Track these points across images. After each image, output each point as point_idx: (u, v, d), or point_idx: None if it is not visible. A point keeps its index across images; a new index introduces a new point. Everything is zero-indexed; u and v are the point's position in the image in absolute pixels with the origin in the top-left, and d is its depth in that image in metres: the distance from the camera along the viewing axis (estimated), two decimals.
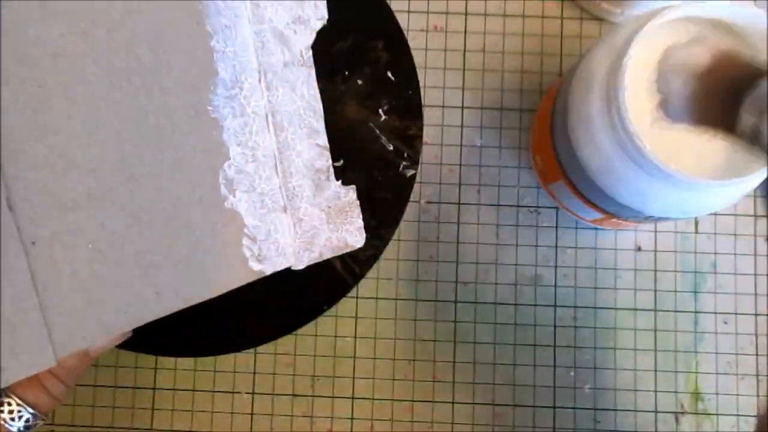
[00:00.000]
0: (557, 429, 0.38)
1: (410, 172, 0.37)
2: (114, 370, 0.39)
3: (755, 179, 0.27)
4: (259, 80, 0.32)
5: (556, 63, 0.40)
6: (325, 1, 0.35)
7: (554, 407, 0.39)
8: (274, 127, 0.33)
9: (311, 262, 0.33)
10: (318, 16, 0.34)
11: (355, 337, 0.39)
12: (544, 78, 0.40)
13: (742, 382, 0.39)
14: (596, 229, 0.40)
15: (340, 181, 0.35)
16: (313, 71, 0.34)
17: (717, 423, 0.38)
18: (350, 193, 0.35)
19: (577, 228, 0.40)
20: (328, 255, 0.34)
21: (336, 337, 0.39)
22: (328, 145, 0.34)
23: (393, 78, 0.38)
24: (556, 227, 0.40)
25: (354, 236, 0.35)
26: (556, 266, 0.39)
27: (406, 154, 0.37)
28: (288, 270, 0.34)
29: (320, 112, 0.34)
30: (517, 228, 0.40)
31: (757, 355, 0.39)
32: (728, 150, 0.28)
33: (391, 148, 0.37)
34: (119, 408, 0.39)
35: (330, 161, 0.34)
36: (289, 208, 0.33)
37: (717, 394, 0.39)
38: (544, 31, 0.41)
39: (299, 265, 0.33)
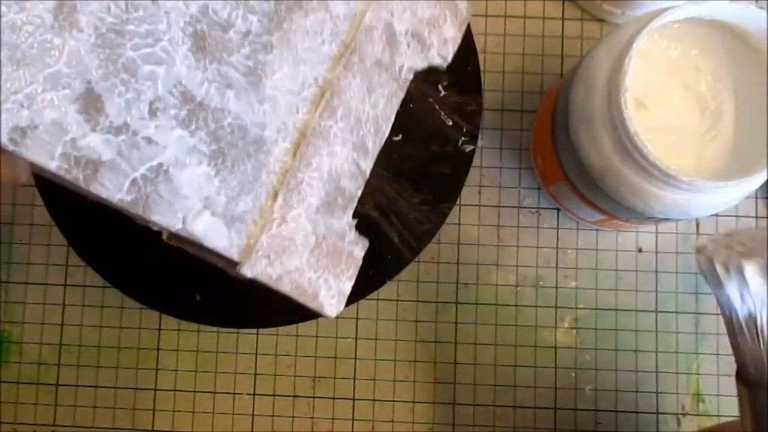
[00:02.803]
0: (558, 430, 0.38)
1: (469, 148, 0.38)
2: (115, 371, 0.39)
3: (756, 181, 0.27)
4: (341, 53, 0.27)
5: (557, 64, 0.40)
6: (454, 46, 0.30)
7: (555, 408, 0.39)
8: (324, 107, 0.26)
9: (261, 279, 0.25)
10: (441, 52, 0.30)
11: (356, 338, 0.39)
12: (544, 79, 0.40)
13: None
14: (597, 230, 0.39)
15: (355, 222, 0.29)
16: (400, 95, 0.30)
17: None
18: (357, 247, 0.29)
19: (578, 229, 0.40)
20: (286, 289, 0.26)
21: (337, 338, 0.39)
22: (367, 177, 0.29)
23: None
24: (557, 228, 0.40)
25: (329, 296, 0.27)
26: (557, 267, 0.39)
27: (465, 129, 0.38)
28: None
29: (383, 138, 0.29)
30: (518, 229, 0.40)
31: None
32: (730, 151, 0.28)
33: (450, 123, 0.37)
34: (120, 409, 0.39)
35: (359, 193, 0.29)
36: (280, 199, 0.25)
37: (718, 395, 0.38)
38: (545, 32, 0.41)
39: (246, 270, 0.25)
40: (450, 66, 0.39)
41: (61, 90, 0.21)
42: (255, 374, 0.39)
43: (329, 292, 0.27)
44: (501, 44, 0.41)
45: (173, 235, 0.26)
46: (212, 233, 0.24)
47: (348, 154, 0.28)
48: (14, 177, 0.22)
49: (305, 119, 0.26)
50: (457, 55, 0.39)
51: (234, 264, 0.25)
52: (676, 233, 0.39)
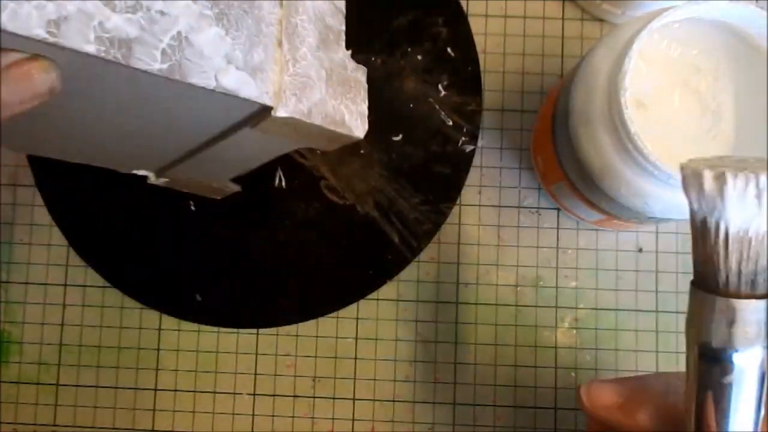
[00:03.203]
0: (558, 430, 0.38)
1: (469, 148, 0.38)
2: (115, 371, 0.39)
3: None
4: None
5: (557, 64, 0.40)
6: None
7: (555, 408, 0.39)
8: None
9: (296, 116, 0.26)
10: None
11: (356, 338, 0.39)
12: (545, 79, 0.40)
13: None
14: (597, 230, 0.39)
15: (349, 53, 0.29)
16: None
17: None
18: (359, 72, 0.30)
19: (578, 229, 0.40)
20: (318, 121, 0.27)
21: (337, 338, 0.39)
22: (344, 11, 0.30)
23: (452, 54, 0.38)
24: (558, 228, 0.40)
25: (354, 119, 0.29)
26: (557, 267, 0.39)
27: (465, 129, 0.38)
28: (348, 244, 0.33)
29: None
30: (518, 229, 0.40)
31: None
32: (730, 151, 0.28)
33: (451, 123, 0.37)
34: (120, 409, 0.39)
35: (343, 27, 0.30)
36: (286, 44, 0.27)
37: None
38: (545, 32, 0.41)
39: (281, 111, 0.26)
40: (450, 66, 0.39)
41: None
42: (255, 374, 0.39)
43: (352, 116, 0.29)
44: (501, 44, 0.41)
45: (163, 171, 0.28)
46: (242, 86, 0.25)
47: None
48: (50, 85, 0.21)
49: None
50: (457, 55, 0.39)
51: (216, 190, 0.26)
52: (676, 233, 0.39)
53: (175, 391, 0.39)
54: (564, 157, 0.32)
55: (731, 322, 0.20)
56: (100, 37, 0.21)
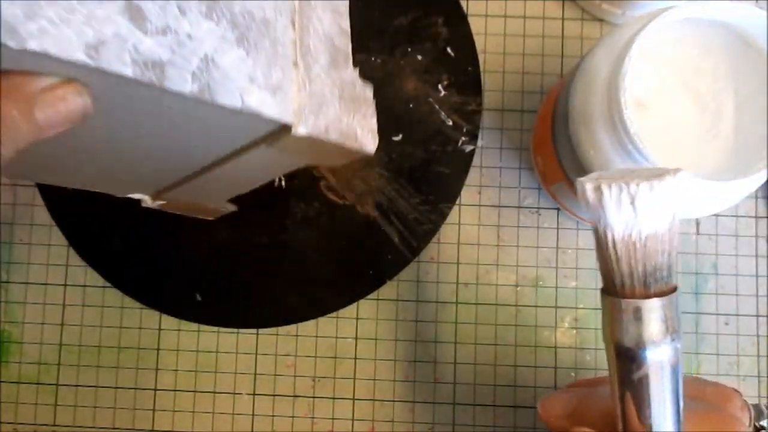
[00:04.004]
0: None
1: (469, 148, 0.38)
2: (115, 371, 0.39)
3: (756, 180, 0.27)
4: None
5: (557, 64, 0.40)
6: None
7: None
8: None
9: (315, 133, 0.27)
10: None
11: (356, 338, 0.39)
12: (545, 79, 0.40)
13: (744, 383, 0.39)
14: None
15: (357, 71, 0.30)
16: None
17: None
18: (367, 90, 0.31)
19: (578, 229, 0.40)
20: (334, 137, 0.28)
21: (337, 338, 0.39)
22: (350, 35, 0.31)
23: (452, 54, 0.38)
24: (557, 228, 0.40)
25: (366, 134, 0.30)
26: (557, 267, 0.39)
27: (465, 129, 0.38)
28: (348, 244, 0.33)
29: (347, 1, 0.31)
30: (518, 229, 0.40)
31: (758, 356, 0.39)
32: (730, 150, 0.28)
33: (451, 123, 0.37)
34: (120, 409, 0.39)
35: (350, 49, 0.31)
36: (301, 64, 0.28)
37: None
38: (545, 32, 0.41)
39: (301, 129, 0.27)
40: (450, 66, 0.39)
41: (107, 5, 0.21)
42: (255, 374, 0.39)
43: (363, 131, 0.30)
44: (501, 44, 0.41)
45: (159, 194, 0.29)
46: (264, 105, 0.26)
47: (330, 18, 0.30)
48: (84, 109, 0.21)
49: None
50: (457, 55, 0.39)
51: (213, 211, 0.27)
52: None
53: (175, 391, 0.39)
54: (564, 157, 0.32)
55: (637, 321, 0.22)
56: (136, 60, 0.22)
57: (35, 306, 0.40)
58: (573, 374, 0.39)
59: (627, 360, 0.22)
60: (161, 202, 0.36)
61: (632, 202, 0.21)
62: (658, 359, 0.22)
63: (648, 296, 0.22)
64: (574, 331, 0.39)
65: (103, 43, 0.21)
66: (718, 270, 0.39)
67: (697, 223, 0.40)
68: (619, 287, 0.22)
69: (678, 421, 0.22)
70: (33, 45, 0.19)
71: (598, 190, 0.22)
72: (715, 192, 0.28)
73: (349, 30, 0.31)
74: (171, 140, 0.28)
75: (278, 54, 0.27)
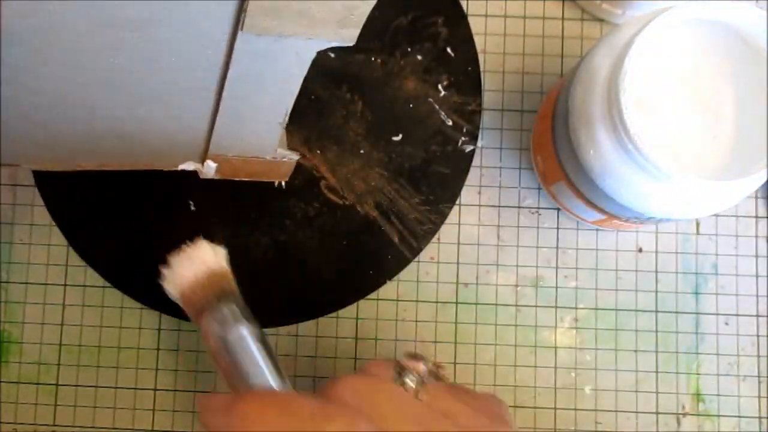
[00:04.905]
0: (558, 430, 0.38)
1: (469, 148, 0.38)
2: (115, 371, 0.39)
3: (757, 180, 0.27)
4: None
5: (557, 64, 0.40)
6: None
7: (555, 408, 0.39)
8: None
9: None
10: None
11: (356, 338, 0.39)
12: (545, 79, 0.40)
13: (744, 384, 0.39)
14: (597, 230, 0.39)
15: None
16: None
17: (718, 424, 0.38)
18: None
19: (578, 229, 0.40)
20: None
21: (337, 338, 0.39)
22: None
23: (452, 54, 0.38)
24: (557, 228, 0.40)
25: None
26: (557, 267, 0.39)
27: (464, 129, 0.38)
28: (348, 244, 0.34)
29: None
30: (518, 229, 0.40)
31: (758, 356, 0.39)
32: (730, 151, 0.28)
33: (450, 123, 0.37)
34: (120, 409, 0.39)
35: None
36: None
37: (718, 395, 0.38)
38: (545, 32, 0.41)
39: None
40: (450, 66, 0.39)
41: None
42: None
43: None
44: (501, 44, 0.41)
45: (206, 154, 0.28)
46: None
47: None
48: None
49: None
50: (457, 55, 0.39)
51: None
52: (676, 233, 0.39)
53: (175, 391, 0.39)
54: (564, 157, 0.32)
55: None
56: None
57: (35, 306, 0.40)
58: (573, 374, 0.39)
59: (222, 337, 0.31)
60: (216, 166, 0.34)
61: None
62: (241, 336, 0.31)
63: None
64: (574, 331, 0.39)
65: None
66: (718, 270, 0.39)
67: (697, 223, 0.40)
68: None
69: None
70: None
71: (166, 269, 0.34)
72: (715, 192, 0.28)
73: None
74: (146, 59, 0.25)
75: None
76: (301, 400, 0.25)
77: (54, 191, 0.40)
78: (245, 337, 0.31)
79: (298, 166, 0.39)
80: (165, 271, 0.33)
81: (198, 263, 0.33)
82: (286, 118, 0.31)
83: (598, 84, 0.28)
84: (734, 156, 0.28)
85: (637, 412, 0.38)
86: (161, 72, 0.26)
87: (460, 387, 0.29)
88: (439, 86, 0.39)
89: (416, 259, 0.39)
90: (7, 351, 0.40)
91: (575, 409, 0.38)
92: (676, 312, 0.39)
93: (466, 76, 0.39)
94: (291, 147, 0.37)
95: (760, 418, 0.38)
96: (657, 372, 0.39)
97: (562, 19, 0.41)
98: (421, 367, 0.27)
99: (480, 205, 0.40)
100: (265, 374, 0.31)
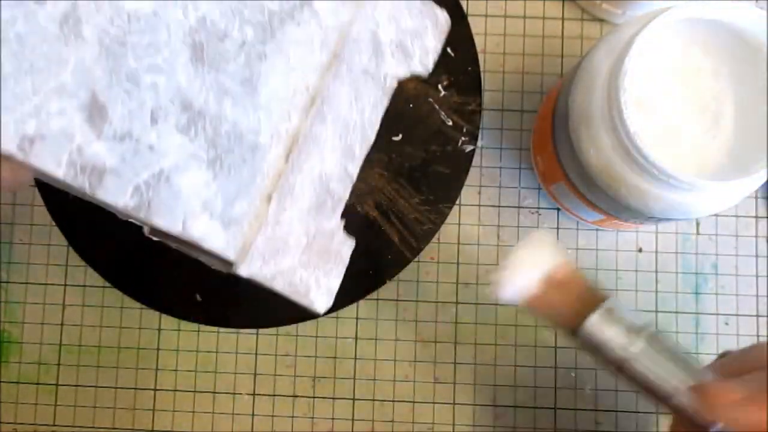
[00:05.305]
0: (558, 430, 0.38)
1: (469, 148, 0.38)
2: (115, 371, 0.39)
3: (756, 180, 0.27)
4: (330, 62, 0.28)
5: (557, 64, 0.40)
6: (435, 56, 0.31)
7: (555, 408, 0.39)
8: (315, 114, 0.27)
9: (257, 278, 0.26)
10: (423, 61, 0.31)
11: (356, 338, 0.39)
12: (545, 79, 0.40)
13: None
14: (597, 230, 0.39)
15: (343, 223, 0.29)
16: (385, 102, 0.31)
17: None
18: (345, 246, 0.29)
19: (578, 229, 0.40)
20: (279, 287, 0.27)
21: (337, 338, 0.39)
22: (354, 180, 0.30)
23: (452, 54, 0.38)
24: (557, 228, 0.40)
25: (321, 294, 0.28)
26: None
27: (464, 129, 0.38)
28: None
29: (368, 144, 0.30)
30: (518, 229, 0.40)
31: None
32: (730, 151, 0.28)
33: (450, 123, 0.37)
34: (120, 409, 0.39)
35: (347, 196, 0.29)
36: (275, 202, 0.26)
37: None
38: (545, 32, 0.41)
39: (242, 269, 0.26)
40: (450, 66, 0.39)
41: (67, 99, 0.21)
42: (255, 374, 0.39)
43: (319, 290, 0.28)
44: (501, 44, 0.41)
45: (156, 231, 0.27)
46: (210, 235, 0.24)
47: (337, 159, 0.28)
48: (18, 181, 0.22)
49: (297, 125, 0.26)
50: (457, 55, 0.39)
51: (224, 263, 0.26)
52: (676, 233, 0.39)
53: (175, 391, 0.39)
54: (564, 157, 0.32)
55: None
56: (74, 161, 0.21)
57: (35, 306, 0.40)
58: (573, 374, 0.39)
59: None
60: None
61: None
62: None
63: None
64: None
65: (42, 138, 0.20)
66: (718, 270, 0.39)
67: (697, 223, 0.40)
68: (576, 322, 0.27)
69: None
70: None
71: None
72: (715, 192, 0.28)
73: (354, 176, 0.29)
74: None
75: (254, 185, 0.25)
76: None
77: (54, 191, 0.39)
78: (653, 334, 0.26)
79: None
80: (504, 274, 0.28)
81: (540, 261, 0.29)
82: None
83: (598, 84, 0.28)
84: (734, 156, 0.28)
85: (636, 412, 0.38)
86: None
87: None
88: (439, 86, 0.39)
89: (416, 259, 0.39)
90: (7, 351, 0.40)
91: (575, 409, 0.38)
92: (676, 312, 0.39)
93: (466, 76, 0.39)
94: None
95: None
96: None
97: (562, 19, 0.41)
98: None
99: (480, 205, 0.40)
100: (687, 360, 0.26)
